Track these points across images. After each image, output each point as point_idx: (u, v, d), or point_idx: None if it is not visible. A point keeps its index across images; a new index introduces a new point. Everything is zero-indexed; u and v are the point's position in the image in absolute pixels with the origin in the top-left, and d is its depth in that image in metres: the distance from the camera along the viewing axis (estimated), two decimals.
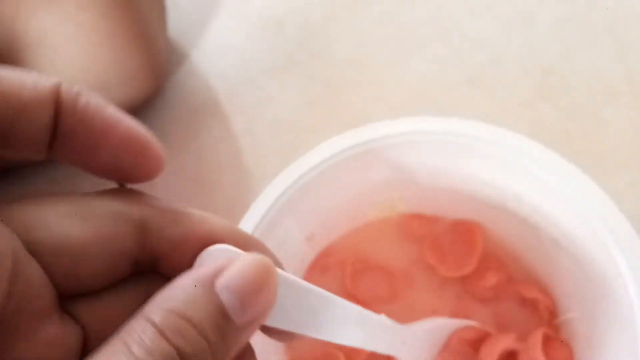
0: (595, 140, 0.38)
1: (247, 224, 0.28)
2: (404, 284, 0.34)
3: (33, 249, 0.15)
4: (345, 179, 0.31)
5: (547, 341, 0.30)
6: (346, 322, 0.21)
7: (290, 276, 0.18)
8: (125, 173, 0.17)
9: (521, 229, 0.31)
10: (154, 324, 0.14)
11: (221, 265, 0.16)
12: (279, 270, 0.17)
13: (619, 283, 0.26)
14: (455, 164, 0.30)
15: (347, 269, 0.34)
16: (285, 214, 0.29)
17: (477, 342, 0.31)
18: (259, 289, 0.16)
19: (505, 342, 0.30)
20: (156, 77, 0.36)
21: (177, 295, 0.15)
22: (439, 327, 0.31)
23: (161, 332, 0.14)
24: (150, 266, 0.17)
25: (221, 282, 0.15)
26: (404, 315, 0.30)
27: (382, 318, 0.24)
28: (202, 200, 0.38)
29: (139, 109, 0.39)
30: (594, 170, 0.37)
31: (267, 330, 0.18)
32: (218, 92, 0.41)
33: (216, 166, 0.39)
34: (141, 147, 0.17)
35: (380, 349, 0.24)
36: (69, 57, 0.33)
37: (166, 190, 0.38)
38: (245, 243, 0.18)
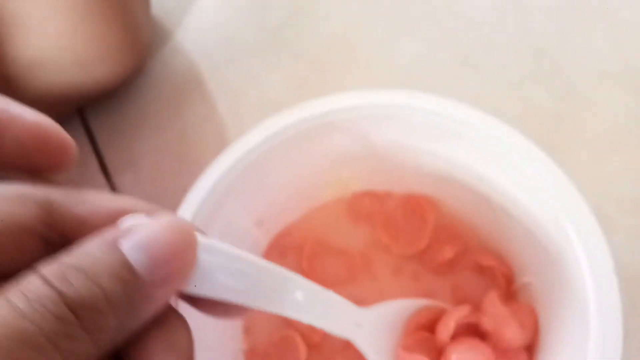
0: (586, 123, 0.37)
1: (186, 209, 0.26)
2: (362, 266, 0.33)
3: None
4: (293, 157, 0.30)
5: (506, 302, 0.30)
6: (288, 292, 0.20)
7: (218, 243, 0.17)
8: (33, 163, 0.17)
9: (473, 200, 0.31)
10: (40, 275, 0.14)
11: (129, 226, 0.15)
12: (204, 237, 0.17)
13: (566, 248, 0.26)
14: (405, 137, 0.29)
15: (304, 252, 0.33)
16: (230, 196, 0.28)
17: (435, 322, 0.30)
18: (172, 249, 0.15)
19: (459, 314, 0.29)
20: (137, 53, 0.36)
21: (73, 252, 0.15)
22: (397, 310, 0.30)
23: (45, 280, 0.14)
24: (62, 246, 0.17)
25: (128, 240, 0.15)
26: (364, 297, 0.30)
27: (331, 294, 0.23)
28: (185, 179, 0.37)
29: (122, 87, 0.39)
30: (584, 153, 0.37)
31: (201, 304, 0.18)
32: (203, 72, 0.40)
33: (200, 146, 0.38)
34: (48, 136, 0.17)
35: (333, 328, 0.23)
36: (45, 37, 0.33)
37: (149, 169, 0.38)
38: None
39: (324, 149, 0.30)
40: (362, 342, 0.26)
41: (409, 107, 0.27)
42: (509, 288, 0.32)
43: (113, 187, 0.38)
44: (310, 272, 0.33)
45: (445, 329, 0.29)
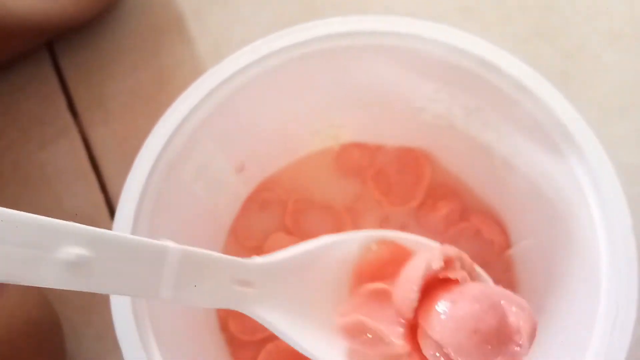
0: (594, 84, 0.35)
1: (152, 144, 0.23)
2: (349, 222, 0.30)
3: None
4: (276, 93, 0.26)
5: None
6: (122, 261, 0.16)
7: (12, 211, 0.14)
8: None
9: (473, 153, 0.28)
10: None
11: None
12: None
13: (579, 201, 0.23)
14: (405, 76, 0.26)
15: (289, 208, 0.30)
16: (204, 133, 0.25)
17: (392, 266, 0.23)
18: None
19: (428, 265, 0.21)
20: None
21: None
22: (320, 253, 0.23)
23: None
24: None
25: None
26: None
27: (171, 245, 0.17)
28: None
29: (95, 20, 0.35)
30: (591, 115, 0.34)
31: None
32: (184, 9, 0.37)
33: (177, 89, 0.34)
34: None
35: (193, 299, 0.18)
36: None
37: (120, 109, 0.35)
38: None
39: (311, 87, 0.27)
40: (260, 310, 0.20)
41: (407, 36, 0.24)
42: (505, 254, 0.30)
43: (80, 126, 0.35)
44: (294, 229, 0.31)
45: (408, 293, 0.21)
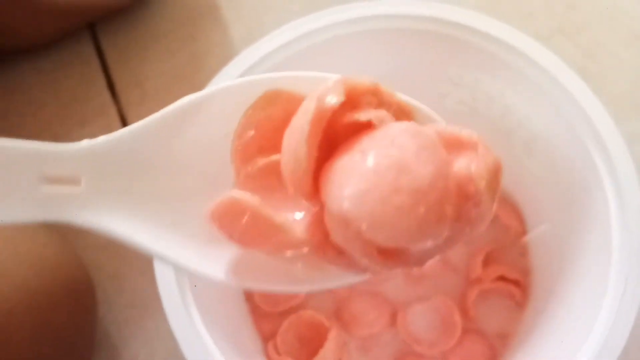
0: (612, 81, 0.36)
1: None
2: None
3: None
4: None
5: None
6: None
7: None
8: None
9: (492, 137, 0.28)
10: None
11: None
12: None
13: (595, 187, 0.24)
14: (430, 60, 0.27)
15: None
16: None
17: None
18: None
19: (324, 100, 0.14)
20: None
21: None
22: (178, 122, 0.16)
23: None
24: None
25: None
26: None
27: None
28: None
29: (136, 5, 0.37)
30: (608, 110, 0.36)
31: None
32: None
33: (210, 72, 0.36)
34: None
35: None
36: None
37: (156, 90, 0.36)
38: None
39: (341, 70, 0.28)
40: (92, 215, 0.14)
41: (432, 20, 0.25)
42: (521, 239, 0.31)
43: (118, 105, 0.37)
44: None
45: (294, 149, 0.14)
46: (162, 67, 0.37)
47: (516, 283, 0.29)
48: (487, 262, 0.30)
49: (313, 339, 0.28)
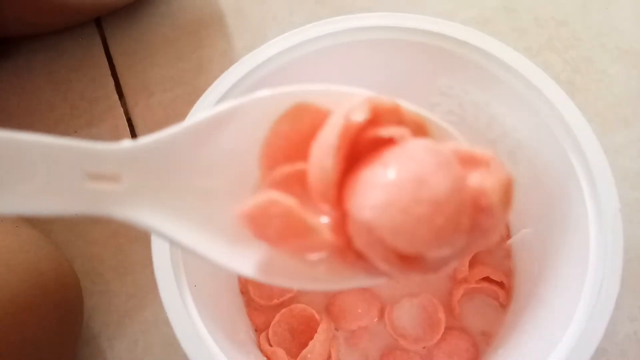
0: (599, 95, 0.38)
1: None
2: None
3: None
4: (305, 81, 0.29)
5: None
6: None
7: None
8: None
9: (478, 144, 0.30)
10: None
11: None
12: None
13: (575, 192, 0.25)
14: (421, 71, 0.28)
15: None
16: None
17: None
18: None
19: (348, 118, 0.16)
20: None
21: None
22: (210, 128, 0.17)
23: None
24: None
25: None
26: None
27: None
28: None
29: (144, 14, 0.39)
30: (595, 124, 0.37)
31: None
32: (226, 7, 0.40)
33: (215, 77, 0.38)
34: None
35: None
36: None
37: (162, 95, 0.38)
38: None
39: (334, 79, 0.30)
40: (132, 211, 0.15)
41: (424, 33, 0.27)
42: (505, 243, 0.32)
43: (125, 107, 0.38)
44: None
45: (322, 161, 0.16)
46: (168, 71, 0.39)
47: (500, 284, 0.31)
48: (473, 263, 0.31)
49: (304, 332, 0.30)
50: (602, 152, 0.25)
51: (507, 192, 0.16)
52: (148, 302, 0.33)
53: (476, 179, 0.15)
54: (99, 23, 0.41)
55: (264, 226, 0.16)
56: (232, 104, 0.17)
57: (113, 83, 0.39)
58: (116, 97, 0.38)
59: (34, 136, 0.13)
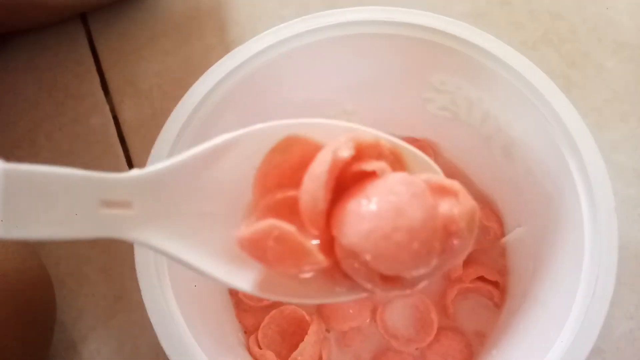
0: (595, 89, 0.37)
1: (175, 119, 0.25)
2: None
3: None
4: (294, 79, 0.28)
5: None
6: None
7: None
8: None
9: (472, 142, 0.30)
10: None
11: None
12: None
13: (569, 189, 0.25)
14: (414, 66, 0.28)
15: None
16: (227, 108, 0.26)
17: (307, 166, 0.19)
18: None
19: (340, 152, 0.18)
20: None
21: None
22: (209, 159, 0.19)
23: None
24: None
25: None
26: None
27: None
28: None
29: (130, 8, 0.38)
30: (591, 119, 0.36)
31: None
32: (214, 0, 0.40)
33: (202, 74, 0.37)
34: None
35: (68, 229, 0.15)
36: None
37: (149, 90, 0.37)
38: None
39: (328, 73, 0.29)
40: (142, 235, 0.17)
41: (415, 27, 0.26)
42: (499, 241, 0.32)
43: (111, 104, 0.37)
44: None
45: (313, 193, 0.18)
46: (155, 67, 0.38)
47: (495, 284, 0.30)
48: (467, 262, 0.31)
49: (294, 333, 0.29)
50: (596, 148, 0.24)
51: (472, 219, 0.18)
52: (135, 304, 0.32)
53: (446, 207, 0.17)
54: (84, 18, 0.40)
55: (263, 249, 0.17)
56: (230, 135, 0.19)
57: (99, 79, 0.38)
58: (102, 93, 0.38)
59: (56, 169, 0.15)
